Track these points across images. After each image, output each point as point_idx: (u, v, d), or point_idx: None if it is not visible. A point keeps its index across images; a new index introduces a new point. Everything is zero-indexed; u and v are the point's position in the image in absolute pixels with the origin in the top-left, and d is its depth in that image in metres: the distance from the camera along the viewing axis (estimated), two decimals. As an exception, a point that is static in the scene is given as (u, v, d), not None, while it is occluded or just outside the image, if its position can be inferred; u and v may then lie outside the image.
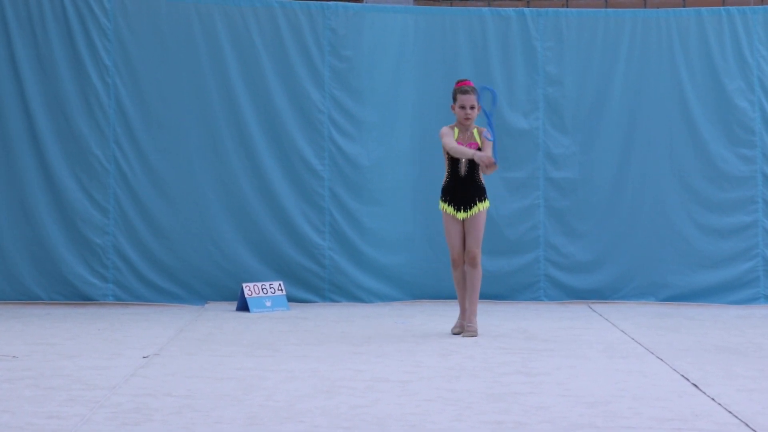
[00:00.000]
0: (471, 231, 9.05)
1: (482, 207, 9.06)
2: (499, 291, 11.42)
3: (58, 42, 11.10)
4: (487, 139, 8.88)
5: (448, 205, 9.08)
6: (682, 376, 7.19)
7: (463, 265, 9.11)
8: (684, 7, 12.48)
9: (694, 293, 11.48)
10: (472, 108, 8.97)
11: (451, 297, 10.27)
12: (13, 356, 7.83)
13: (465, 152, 8.91)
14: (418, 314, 10.45)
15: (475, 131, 9.02)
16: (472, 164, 9.00)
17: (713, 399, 6.43)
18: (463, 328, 9.05)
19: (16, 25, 11.06)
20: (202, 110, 11.28)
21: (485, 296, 10.82)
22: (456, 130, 9.06)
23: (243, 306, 10.63)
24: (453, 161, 9.04)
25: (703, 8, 11.74)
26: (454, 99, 9.07)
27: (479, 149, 8.96)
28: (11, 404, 6.18)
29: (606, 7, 12.59)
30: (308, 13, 11.44)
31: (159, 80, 11.24)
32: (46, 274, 11.06)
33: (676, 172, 11.55)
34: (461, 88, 9.03)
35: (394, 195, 11.47)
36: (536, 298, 11.50)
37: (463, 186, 9.04)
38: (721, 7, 11.79)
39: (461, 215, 9.05)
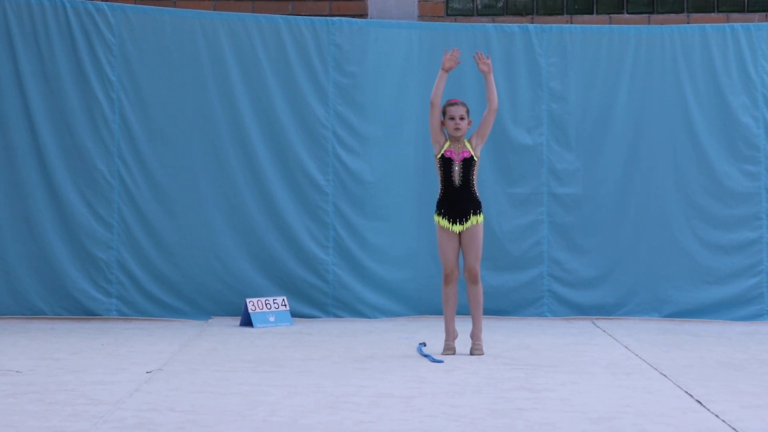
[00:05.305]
0: (470, 246, 8.92)
1: (477, 220, 8.93)
2: (503, 307, 11.41)
3: (63, 57, 11.12)
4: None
5: (443, 217, 8.92)
6: (686, 392, 7.19)
7: (455, 282, 8.98)
8: (688, 23, 12.49)
9: (698, 309, 11.47)
10: (461, 118, 8.92)
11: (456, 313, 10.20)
12: (17, 371, 7.83)
13: (438, 83, 8.98)
14: (422, 329, 10.43)
15: (466, 142, 8.95)
16: (466, 174, 8.89)
17: (717, 415, 6.42)
18: (455, 351, 8.93)
19: (21, 40, 11.08)
20: (206, 125, 11.30)
21: (488, 312, 10.80)
22: (448, 141, 9.01)
23: (247, 321, 10.62)
24: (446, 172, 8.92)
25: (707, 25, 11.75)
26: (444, 114, 8.98)
27: (472, 159, 8.90)
28: (15, 419, 6.17)
29: (610, 23, 12.59)
30: (313, 28, 11.45)
31: (163, 96, 11.26)
32: (50, 289, 11.07)
33: (680, 188, 11.55)
34: (449, 101, 9.01)
35: (397, 210, 11.47)
36: (540, 314, 11.48)
37: (457, 197, 8.89)
38: (726, 24, 11.80)
39: (456, 228, 8.90)
